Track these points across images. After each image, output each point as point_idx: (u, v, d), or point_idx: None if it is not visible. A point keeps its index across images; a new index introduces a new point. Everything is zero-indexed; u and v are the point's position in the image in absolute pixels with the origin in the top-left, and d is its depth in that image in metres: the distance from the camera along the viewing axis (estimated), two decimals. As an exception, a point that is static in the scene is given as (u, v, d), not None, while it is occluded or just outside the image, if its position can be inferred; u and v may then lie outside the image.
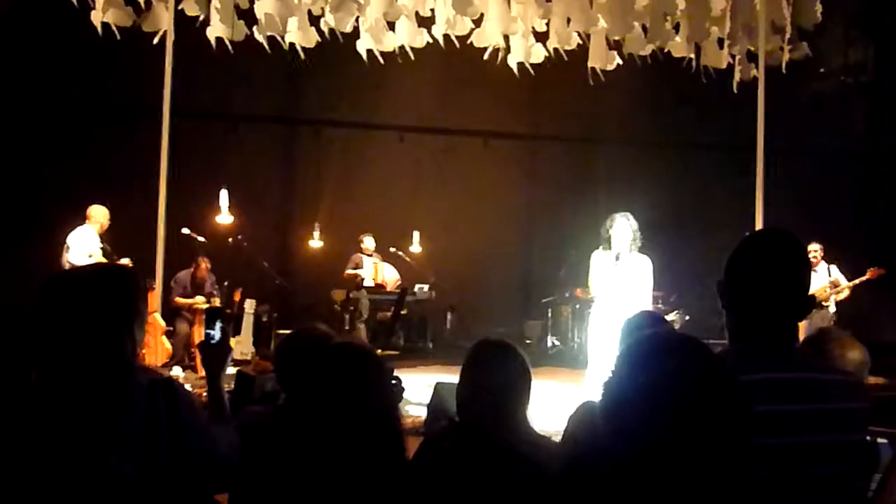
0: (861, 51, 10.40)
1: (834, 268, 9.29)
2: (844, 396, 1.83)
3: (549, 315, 11.92)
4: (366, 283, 11.48)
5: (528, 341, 11.87)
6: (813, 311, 8.54)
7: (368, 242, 11.72)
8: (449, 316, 11.99)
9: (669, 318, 10.39)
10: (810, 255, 9.22)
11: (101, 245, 8.65)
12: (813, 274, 9.14)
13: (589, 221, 12.38)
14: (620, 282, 6.40)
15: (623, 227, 6.54)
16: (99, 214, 8.76)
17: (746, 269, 1.89)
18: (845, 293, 9.19)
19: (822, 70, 10.36)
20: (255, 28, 8.96)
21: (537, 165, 12.76)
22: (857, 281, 9.10)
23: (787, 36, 9.63)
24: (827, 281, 9.22)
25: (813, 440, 1.75)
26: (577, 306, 11.49)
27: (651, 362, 1.35)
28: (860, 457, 1.82)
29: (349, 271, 11.73)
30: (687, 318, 10.77)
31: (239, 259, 9.83)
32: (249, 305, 9.70)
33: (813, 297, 1.97)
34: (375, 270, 11.72)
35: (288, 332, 3.39)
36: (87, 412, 2.02)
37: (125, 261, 8.18)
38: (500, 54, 9.58)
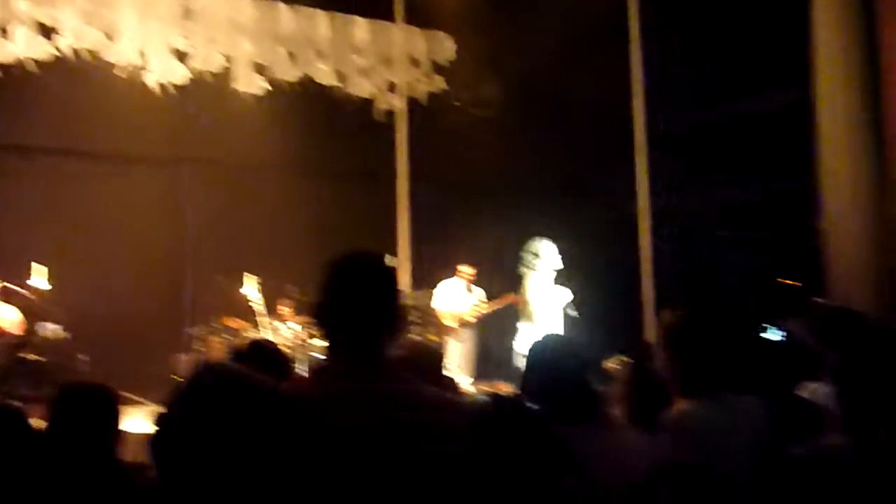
0: (489, 87, 11.36)
1: (480, 290, 9.82)
2: (436, 409, 1.91)
3: (199, 348, 11.31)
4: None
5: (175, 378, 11.18)
6: (460, 329, 9.00)
7: None
8: (84, 357, 10.87)
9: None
10: (464, 276, 9.68)
11: None
12: (464, 293, 9.70)
13: (234, 249, 12.13)
14: None
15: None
16: None
17: (333, 288, 1.97)
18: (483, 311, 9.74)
19: (456, 103, 11.15)
20: None
21: (183, 191, 12.14)
22: (494, 306, 9.67)
23: (424, 70, 10.23)
24: (474, 301, 9.73)
25: (401, 449, 1.80)
26: (228, 337, 11.04)
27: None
28: (452, 467, 1.86)
29: None
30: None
31: None
32: None
33: (403, 315, 2.06)
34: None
35: None
36: None
37: None
38: (138, 72, 9.05)
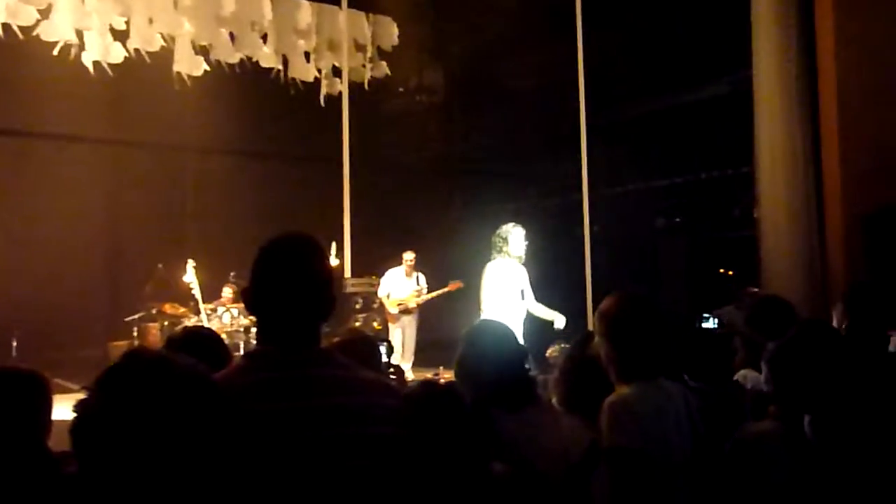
0: (433, 74, 11.35)
1: (422, 276, 9.81)
2: (370, 393, 1.91)
3: (137, 335, 11.06)
4: None
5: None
6: (401, 315, 9.01)
7: None
8: (14, 342, 10.55)
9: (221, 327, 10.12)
10: (406, 263, 9.65)
11: None
12: (406, 280, 9.69)
13: (175, 234, 11.92)
14: None
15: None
16: None
17: (264, 273, 1.93)
18: (424, 298, 9.72)
19: (400, 89, 11.11)
20: None
21: (121, 173, 11.87)
22: (437, 292, 9.68)
23: (369, 55, 10.14)
24: (415, 287, 9.72)
25: (334, 433, 1.79)
26: (166, 324, 10.82)
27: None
28: (388, 450, 1.86)
29: None
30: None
31: None
32: None
33: (333, 299, 2.00)
34: None
35: None
36: None
37: None
38: (73, 51, 8.76)
